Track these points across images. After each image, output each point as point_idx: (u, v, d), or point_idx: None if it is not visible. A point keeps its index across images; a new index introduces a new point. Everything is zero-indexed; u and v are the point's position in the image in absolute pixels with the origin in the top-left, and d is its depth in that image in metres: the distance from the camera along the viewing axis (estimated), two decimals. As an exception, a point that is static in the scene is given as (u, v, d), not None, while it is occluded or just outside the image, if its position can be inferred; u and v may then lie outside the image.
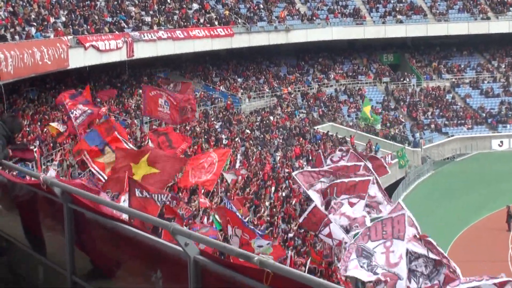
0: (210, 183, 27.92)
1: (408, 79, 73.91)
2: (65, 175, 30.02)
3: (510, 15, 74.87)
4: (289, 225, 33.97)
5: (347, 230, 25.84)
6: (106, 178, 22.98)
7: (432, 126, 67.86)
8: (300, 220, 29.65)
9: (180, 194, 31.25)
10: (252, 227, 24.18)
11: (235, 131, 51.54)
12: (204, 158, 27.55)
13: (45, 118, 39.05)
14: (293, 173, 32.26)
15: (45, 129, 35.27)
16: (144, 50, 50.95)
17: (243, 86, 65.55)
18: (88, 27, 46.89)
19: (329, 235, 26.78)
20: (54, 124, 32.42)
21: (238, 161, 40.70)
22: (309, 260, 28.74)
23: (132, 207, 20.51)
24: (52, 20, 44.22)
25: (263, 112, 60.30)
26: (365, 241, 21.73)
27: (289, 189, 40.63)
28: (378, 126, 61.46)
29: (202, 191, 32.77)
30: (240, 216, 23.97)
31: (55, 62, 38.85)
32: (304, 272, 20.19)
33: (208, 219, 29.35)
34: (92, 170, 24.11)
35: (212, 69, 66.77)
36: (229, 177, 35.09)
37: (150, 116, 40.50)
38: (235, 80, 66.40)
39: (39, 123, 37.80)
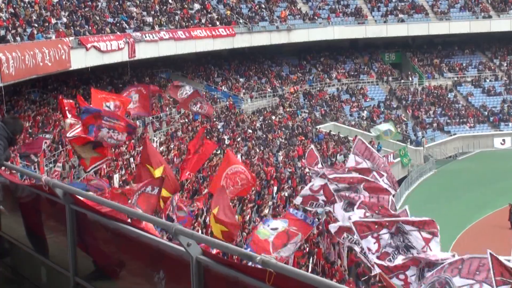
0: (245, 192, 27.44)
1: (410, 78, 73.90)
2: (68, 176, 30.05)
3: (511, 13, 74.81)
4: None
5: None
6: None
7: (434, 124, 67.81)
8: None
9: (184, 193, 31.30)
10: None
11: (237, 131, 51.54)
12: (242, 174, 26.59)
13: (47, 119, 39.06)
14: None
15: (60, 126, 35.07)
16: (145, 51, 50.94)
17: (245, 86, 65.55)
18: (90, 28, 46.89)
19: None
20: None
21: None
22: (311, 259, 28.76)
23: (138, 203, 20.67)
24: (53, 21, 44.24)
25: (265, 112, 60.30)
26: (454, 274, 19.74)
27: (291, 188, 40.61)
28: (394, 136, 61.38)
29: (204, 191, 32.79)
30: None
31: (57, 63, 38.84)
32: (307, 272, 20.20)
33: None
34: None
35: (214, 69, 66.76)
36: None
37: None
38: (237, 80, 66.41)
39: (40, 125, 37.82)
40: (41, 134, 24.77)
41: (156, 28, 54.02)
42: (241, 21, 64.45)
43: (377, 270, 21.88)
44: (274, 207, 35.88)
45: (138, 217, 6.56)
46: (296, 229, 23.03)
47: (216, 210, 21.95)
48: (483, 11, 74.87)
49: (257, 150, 47.72)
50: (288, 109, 62.96)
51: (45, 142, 25.04)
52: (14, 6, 42.54)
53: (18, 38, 38.00)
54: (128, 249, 6.27)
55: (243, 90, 64.56)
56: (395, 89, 72.19)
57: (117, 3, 54.06)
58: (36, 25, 41.76)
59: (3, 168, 9.07)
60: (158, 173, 21.17)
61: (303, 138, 55.11)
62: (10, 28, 38.79)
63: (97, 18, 49.54)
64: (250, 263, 5.08)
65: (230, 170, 25.34)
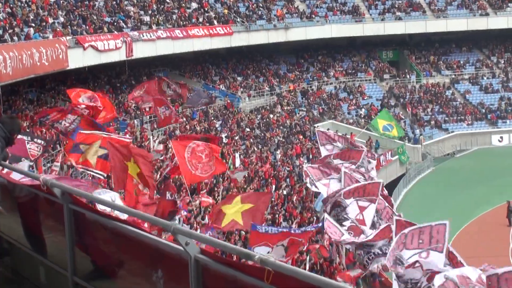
0: (192, 181, 27.49)
1: (407, 76, 73.91)
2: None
3: (508, 10, 74.86)
4: (290, 223, 33.97)
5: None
6: (102, 173, 22.99)
7: (432, 122, 67.85)
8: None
9: (181, 193, 31.28)
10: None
11: (235, 130, 51.51)
12: (198, 147, 26.43)
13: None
14: (305, 166, 31.73)
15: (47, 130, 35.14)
16: (143, 50, 50.93)
17: (242, 85, 65.53)
18: (87, 27, 46.86)
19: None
20: None
21: (237, 160, 40.69)
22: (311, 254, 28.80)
23: (160, 207, 20.79)
24: (50, 20, 44.20)
25: (263, 111, 60.28)
26: (400, 250, 20.62)
27: (290, 187, 40.62)
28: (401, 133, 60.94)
29: (203, 190, 32.79)
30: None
31: (54, 63, 38.83)
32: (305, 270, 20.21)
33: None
34: (87, 171, 23.94)
35: (212, 68, 66.73)
36: (239, 175, 35.23)
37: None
38: (235, 79, 66.37)
39: (38, 124, 37.77)
40: (24, 135, 24.40)
41: (154, 27, 53.99)
42: (238, 19, 64.43)
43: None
44: (272, 206, 35.89)
45: (139, 217, 6.56)
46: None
47: (248, 206, 22.33)
48: (480, 9, 74.91)
49: (255, 149, 47.70)
50: (286, 108, 62.95)
51: (28, 142, 24.76)
52: (11, 5, 42.49)
53: (15, 38, 37.97)
54: (127, 248, 6.28)
55: (241, 89, 64.55)
56: (393, 87, 72.20)
57: (114, 2, 54.02)
58: (33, 24, 41.73)
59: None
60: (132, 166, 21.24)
61: (301, 136, 55.11)
62: (7, 28, 38.76)
63: (95, 17, 49.52)
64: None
65: (187, 154, 25.36)
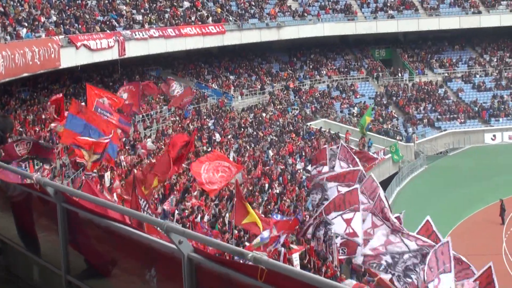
0: (214, 192, 27.38)
1: (400, 74, 73.99)
2: (59, 175, 29.99)
3: (501, 9, 74.97)
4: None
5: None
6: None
7: (425, 120, 67.92)
8: None
9: (175, 192, 31.27)
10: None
11: (228, 129, 51.45)
12: (222, 161, 26.61)
13: (38, 118, 38.94)
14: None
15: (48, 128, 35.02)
16: (135, 49, 50.88)
17: (235, 84, 65.51)
18: (79, 26, 46.79)
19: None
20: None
21: (231, 159, 40.62)
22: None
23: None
24: (43, 20, 44.11)
25: (255, 109, 60.25)
26: (328, 213, 22.20)
27: (283, 186, 40.57)
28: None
29: (195, 192, 32.70)
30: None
31: (47, 62, 38.75)
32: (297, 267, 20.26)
33: (202, 217, 29.28)
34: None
35: (204, 66, 66.70)
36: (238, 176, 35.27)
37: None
38: (227, 78, 66.35)
39: (30, 124, 37.70)
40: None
41: (146, 26, 53.93)
42: (231, 18, 64.41)
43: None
44: (265, 205, 35.86)
45: (131, 215, 6.56)
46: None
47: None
48: (473, 7, 75.02)
49: (248, 148, 47.65)
50: (278, 106, 62.96)
51: (16, 145, 25.04)
52: (4, 5, 42.38)
53: (7, 37, 37.88)
54: (120, 247, 6.27)
55: (233, 88, 64.53)
56: (386, 85, 72.26)
57: (106, 1, 53.94)
58: (26, 24, 41.63)
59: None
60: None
61: (294, 135, 55.10)
62: (-1, 27, 38.70)
63: (87, 16, 49.43)
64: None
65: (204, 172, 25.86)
